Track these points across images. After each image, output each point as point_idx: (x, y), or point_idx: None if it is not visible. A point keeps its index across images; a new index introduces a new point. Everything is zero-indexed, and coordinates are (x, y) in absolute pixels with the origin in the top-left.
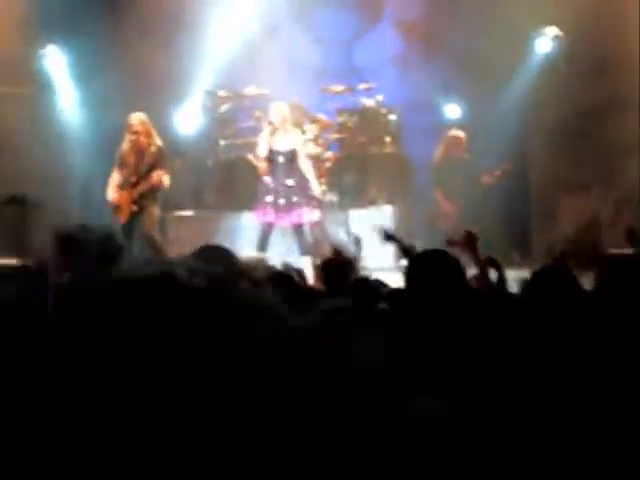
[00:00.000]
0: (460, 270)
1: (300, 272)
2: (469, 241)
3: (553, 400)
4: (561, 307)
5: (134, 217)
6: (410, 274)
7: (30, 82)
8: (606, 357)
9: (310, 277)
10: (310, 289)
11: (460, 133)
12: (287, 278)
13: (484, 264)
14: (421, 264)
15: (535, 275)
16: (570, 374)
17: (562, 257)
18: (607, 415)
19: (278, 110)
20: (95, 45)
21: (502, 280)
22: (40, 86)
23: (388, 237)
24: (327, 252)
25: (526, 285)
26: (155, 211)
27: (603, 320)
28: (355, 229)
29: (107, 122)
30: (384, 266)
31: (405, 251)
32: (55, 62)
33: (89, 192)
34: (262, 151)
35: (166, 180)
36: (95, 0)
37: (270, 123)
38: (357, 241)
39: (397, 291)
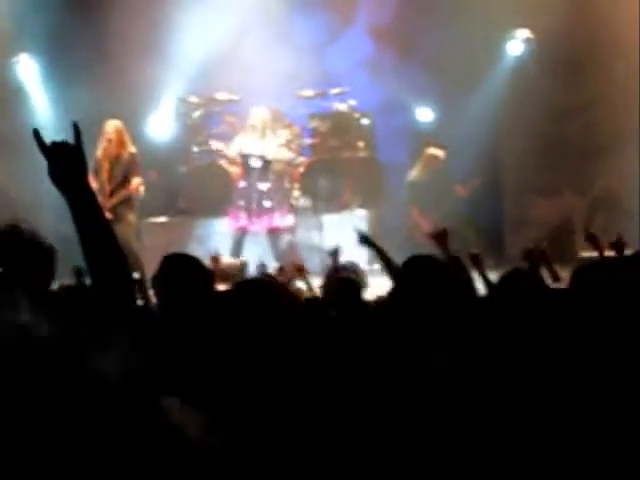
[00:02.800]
0: (448, 273)
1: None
2: (441, 237)
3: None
4: (526, 307)
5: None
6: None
7: (2, 90)
8: (571, 356)
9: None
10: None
11: (439, 152)
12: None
13: (454, 261)
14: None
15: (502, 277)
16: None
17: (533, 258)
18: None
19: (259, 115)
20: (69, 54)
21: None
22: (12, 94)
23: (364, 240)
24: (299, 258)
25: (491, 286)
26: (132, 219)
27: (570, 320)
28: (329, 234)
29: (82, 129)
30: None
31: (380, 254)
32: (27, 70)
33: (63, 200)
34: (232, 151)
35: (142, 189)
36: (69, 9)
37: (252, 127)
38: (335, 252)
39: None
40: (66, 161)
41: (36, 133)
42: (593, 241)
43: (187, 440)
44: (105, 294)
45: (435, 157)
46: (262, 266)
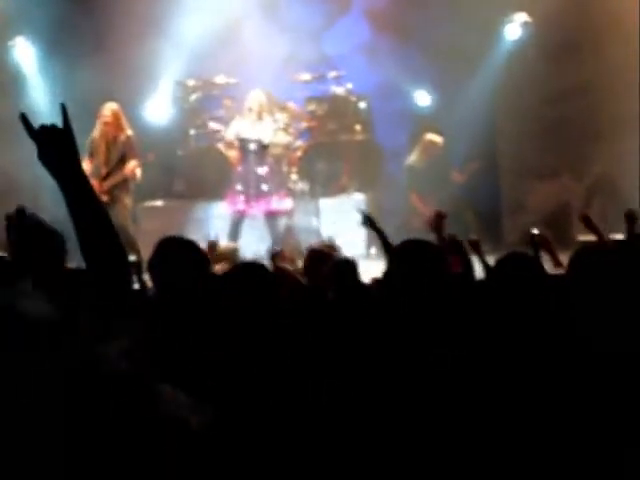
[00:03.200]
0: (442, 258)
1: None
2: (437, 221)
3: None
4: (523, 290)
5: (105, 207)
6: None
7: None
8: (570, 339)
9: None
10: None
11: (437, 138)
12: (258, 267)
13: (449, 245)
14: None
15: (499, 261)
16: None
17: (535, 243)
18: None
19: (256, 98)
20: (66, 37)
21: (469, 265)
22: (9, 78)
23: (367, 221)
24: (296, 242)
25: (490, 270)
26: (128, 201)
27: (568, 304)
28: (326, 217)
29: (78, 112)
30: (355, 253)
31: (381, 237)
32: (24, 54)
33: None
34: (230, 134)
35: (138, 171)
36: None
37: (249, 110)
38: (333, 242)
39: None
40: (55, 144)
41: (23, 117)
42: (588, 223)
43: (180, 425)
44: (100, 278)
45: (433, 143)
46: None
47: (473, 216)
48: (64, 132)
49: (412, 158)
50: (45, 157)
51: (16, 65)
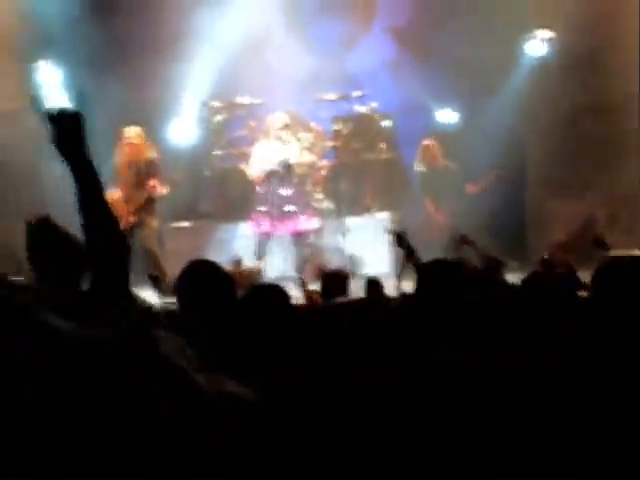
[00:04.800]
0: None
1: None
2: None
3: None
4: (550, 309)
5: (132, 230)
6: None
7: (21, 97)
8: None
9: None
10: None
11: (429, 141)
12: (277, 290)
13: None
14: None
15: (526, 280)
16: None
17: (557, 258)
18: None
19: (279, 120)
20: (90, 60)
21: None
22: (33, 102)
23: (400, 240)
24: (323, 261)
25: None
26: (154, 224)
27: (595, 321)
28: (352, 237)
29: (102, 135)
30: (380, 271)
31: (411, 256)
32: (48, 77)
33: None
34: (254, 171)
35: (161, 189)
36: (90, 14)
37: (272, 133)
38: (355, 260)
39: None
40: (67, 128)
41: (36, 100)
42: (601, 245)
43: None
44: (100, 257)
45: (426, 146)
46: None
47: (488, 234)
48: (75, 115)
49: (416, 165)
50: (57, 138)
51: (39, 89)
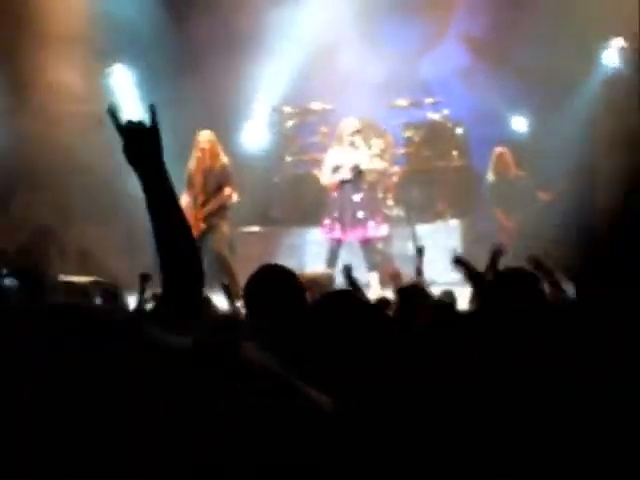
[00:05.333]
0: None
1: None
2: (539, 263)
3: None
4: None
5: (203, 235)
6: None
7: (96, 101)
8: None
9: (376, 293)
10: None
11: (501, 149)
12: (348, 293)
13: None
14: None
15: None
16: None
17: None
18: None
19: (350, 125)
20: (163, 64)
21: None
22: (106, 105)
23: (457, 261)
24: (392, 268)
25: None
26: (225, 229)
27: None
28: (423, 244)
29: (174, 140)
30: (450, 280)
31: (471, 276)
32: (122, 80)
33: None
34: (325, 178)
35: (234, 197)
36: (162, 21)
37: (344, 139)
38: (420, 251)
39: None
40: (140, 139)
41: (111, 111)
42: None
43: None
44: (173, 282)
45: (499, 155)
46: (347, 269)
47: (563, 245)
48: (151, 130)
49: (488, 174)
50: (130, 152)
51: (113, 92)
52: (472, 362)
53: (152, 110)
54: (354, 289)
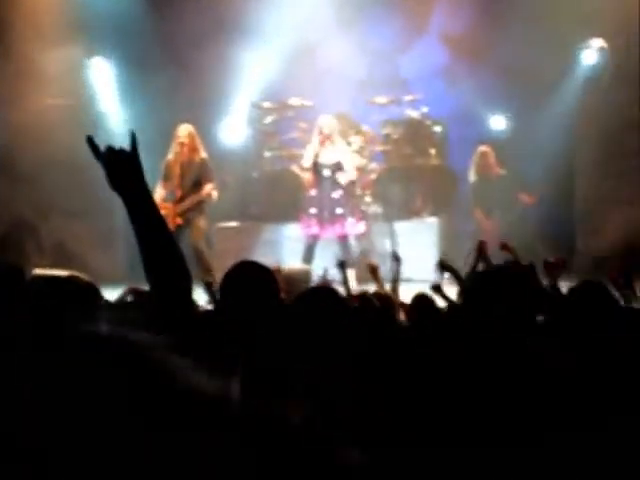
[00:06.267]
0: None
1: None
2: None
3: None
4: (597, 320)
5: (179, 230)
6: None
7: (75, 94)
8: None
9: (353, 289)
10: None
11: (485, 148)
12: (328, 290)
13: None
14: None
15: (572, 290)
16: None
17: (608, 270)
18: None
19: (328, 123)
20: (142, 56)
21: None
22: (86, 98)
23: (441, 266)
24: (371, 262)
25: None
26: (202, 223)
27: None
28: (400, 241)
29: (153, 133)
30: (427, 277)
31: (457, 279)
32: (101, 74)
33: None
34: (307, 162)
35: (214, 194)
36: (143, 12)
37: (320, 134)
38: (396, 258)
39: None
40: (122, 166)
41: (90, 140)
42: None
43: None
44: (162, 299)
45: (482, 154)
46: (341, 264)
47: (542, 242)
48: (131, 156)
49: (470, 174)
50: (113, 179)
51: (92, 85)
52: (457, 360)
53: (132, 137)
54: (345, 284)
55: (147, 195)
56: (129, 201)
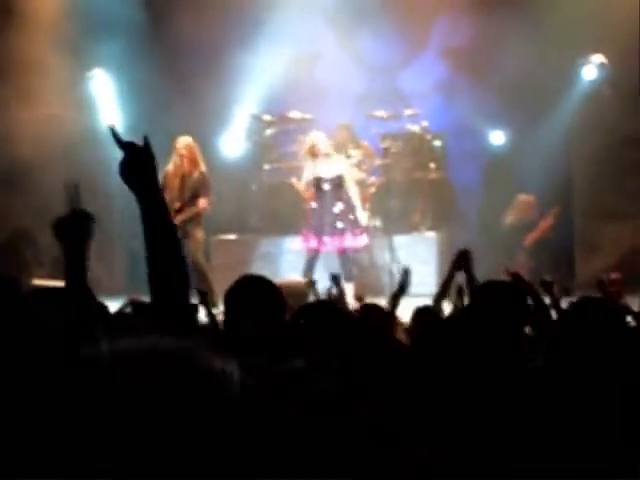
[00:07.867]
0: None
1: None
2: (461, 260)
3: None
4: (598, 336)
5: None
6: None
7: (76, 105)
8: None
9: (351, 303)
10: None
11: (530, 198)
12: (328, 305)
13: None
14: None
15: (574, 305)
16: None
17: (604, 285)
18: None
19: (321, 139)
20: (142, 69)
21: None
22: (86, 109)
23: (463, 262)
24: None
25: (565, 314)
26: (200, 235)
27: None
28: (399, 255)
29: (153, 145)
30: (425, 291)
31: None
32: (101, 85)
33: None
34: (304, 180)
35: (207, 208)
36: (143, 25)
37: (313, 150)
38: (406, 272)
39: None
40: (140, 159)
41: (112, 130)
42: (602, 287)
43: None
44: (163, 296)
45: (527, 203)
46: (335, 278)
47: (548, 259)
48: (149, 153)
49: (509, 219)
50: (128, 169)
51: (92, 97)
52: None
53: (146, 140)
54: (340, 298)
55: (160, 194)
56: (141, 195)
